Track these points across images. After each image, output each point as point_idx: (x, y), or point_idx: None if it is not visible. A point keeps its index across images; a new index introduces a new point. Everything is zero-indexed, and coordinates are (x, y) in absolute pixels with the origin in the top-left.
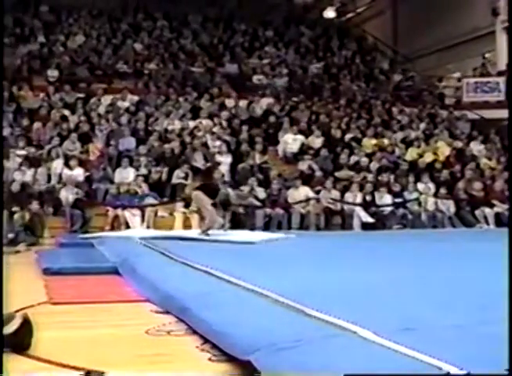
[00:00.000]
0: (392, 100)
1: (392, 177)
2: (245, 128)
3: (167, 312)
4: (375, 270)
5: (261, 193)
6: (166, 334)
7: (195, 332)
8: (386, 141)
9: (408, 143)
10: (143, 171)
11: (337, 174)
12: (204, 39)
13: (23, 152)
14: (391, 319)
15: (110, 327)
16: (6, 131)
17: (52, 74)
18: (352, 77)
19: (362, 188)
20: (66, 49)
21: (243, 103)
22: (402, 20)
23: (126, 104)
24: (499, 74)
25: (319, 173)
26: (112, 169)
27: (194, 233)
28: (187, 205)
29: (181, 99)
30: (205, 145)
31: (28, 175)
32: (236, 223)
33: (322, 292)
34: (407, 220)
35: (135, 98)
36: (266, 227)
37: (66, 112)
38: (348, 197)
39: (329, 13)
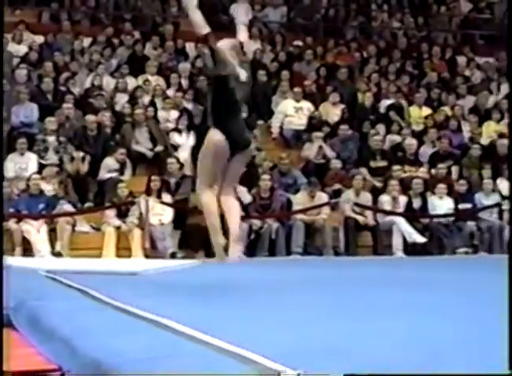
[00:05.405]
0: (457, 45)
1: (456, 170)
2: None
3: None
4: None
5: (243, 194)
6: None
7: None
8: (446, 112)
9: (482, 115)
10: (52, 158)
11: (365, 165)
12: None
13: None
14: None
15: None
16: None
17: None
18: (392, 8)
19: (406, 187)
20: None
21: None
22: None
23: (23, 49)
24: None
25: (336, 163)
26: None
27: (135, 263)
28: (123, 214)
29: (114, 41)
30: (153, 117)
31: None
32: (198, 244)
33: None
34: (480, 239)
35: (38, 39)
36: (252, 248)
37: None
38: (384, 201)
39: None
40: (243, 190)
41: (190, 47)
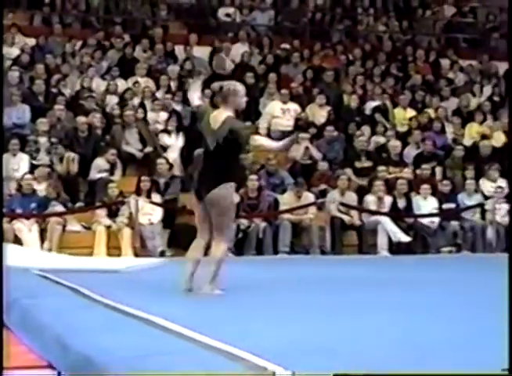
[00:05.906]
0: (440, 48)
1: (440, 170)
2: (206, 92)
3: None
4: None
5: None
6: None
7: None
8: (430, 113)
9: (465, 117)
10: (43, 159)
11: (350, 165)
12: None
13: None
14: None
15: None
16: None
17: None
18: (377, 12)
19: (390, 188)
20: None
21: (202, 52)
22: None
23: (15, 52)
24: None
25: (322, 164)
26: None
27: (122, 261)
28: (114, 214)
29: (104, 43)
30: (143, 118)
31: None
32: (187, 243)
33: None
34: (463, 239)
35: (30, 41)
36: (239, 247)
37: None
38: (370, 201)
39: None
40: None
41: (179, 50)
